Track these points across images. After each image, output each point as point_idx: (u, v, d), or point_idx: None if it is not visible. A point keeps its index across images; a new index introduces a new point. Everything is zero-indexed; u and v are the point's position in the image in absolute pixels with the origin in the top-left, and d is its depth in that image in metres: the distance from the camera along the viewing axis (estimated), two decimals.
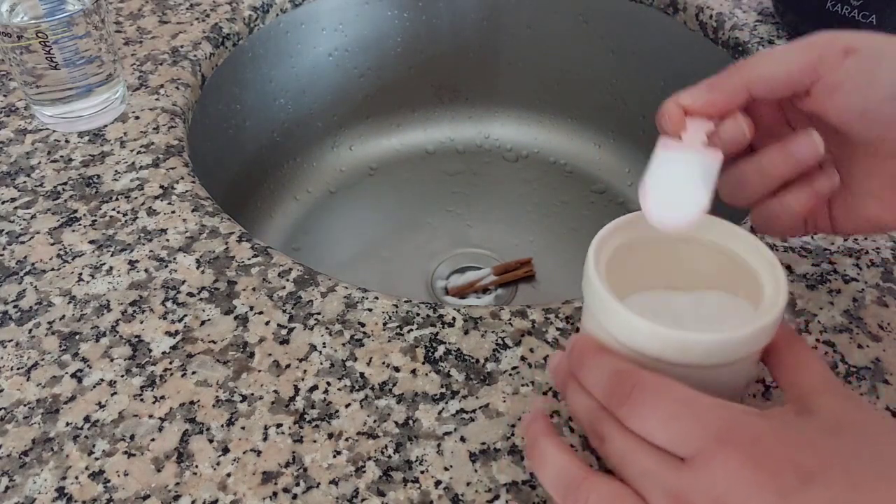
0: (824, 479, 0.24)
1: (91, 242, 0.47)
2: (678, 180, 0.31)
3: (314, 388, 0.38)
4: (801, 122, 0.33)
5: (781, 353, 0.30)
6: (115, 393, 0.38)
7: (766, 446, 0.24)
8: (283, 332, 0.41)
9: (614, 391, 0.28)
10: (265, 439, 0.36)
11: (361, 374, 0.39)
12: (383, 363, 0.39)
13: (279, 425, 0.37)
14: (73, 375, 0.39)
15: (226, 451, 0.36)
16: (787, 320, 0.42)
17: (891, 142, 0.30)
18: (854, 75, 0.29)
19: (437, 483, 0.34)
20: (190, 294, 0.43)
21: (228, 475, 0.35)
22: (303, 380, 0.39)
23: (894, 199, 0.32)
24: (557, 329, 0.41)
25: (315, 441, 0.36)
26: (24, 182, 0.51)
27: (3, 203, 0.50)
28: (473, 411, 0.37)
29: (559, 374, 0.32)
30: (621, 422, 0.27)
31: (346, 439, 0.36)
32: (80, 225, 0.48)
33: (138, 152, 0.54)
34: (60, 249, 0.46)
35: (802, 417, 0.26)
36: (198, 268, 0.45)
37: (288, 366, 0.39)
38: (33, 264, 0.45)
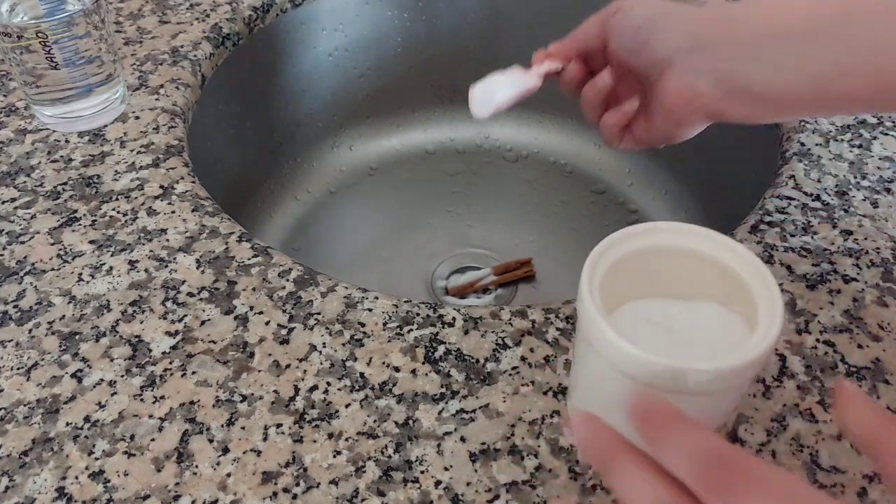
0: None
1: (91, 242, 0.47)
2: (494, 85, 0.45)
3: (314, 388, 0.38)
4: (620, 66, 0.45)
5: (884, 439, 0.25)
6: (115, 393, 0.38)
7: None
8: (283, 332, 0.41)
9: (716, 482, 0.23)
10: (265, 439, 0.36)
11: (361, 374, 0.39)
12: (383, 363, 0.39)
13: (279, 425, 0.37)
14: (73, 375, 0.39)
15: (226, 451, 0.36)
16: (787, 320, 0.42)
17: (647, 67, 0.41)
18: (615, 26, 0.43)
19: (437, 483, 0.34)
20: (190, 294, 0.43)
21: (228, 475, 0.35)
22: (303, 380, 0.39)
23: (658, 113, 0.42)
24: (557, 329, 0.41)
25: (315, 441, 0.36)
26: (24, 182, 0.51)
27: (3, 203, 0.50)
28: (473, 411, 0.37)
29: (603, 447, 0.26)
30: None
31: (346, 439, 0.36)
32: (80, 225, 0.48)
33: (138, 152, 0.54)
34: (60, 249, 0.46)
35: None
36: (198, 268, 0.45)
37: (288, 366, 0.39)
38: (33, 264, 0.45)
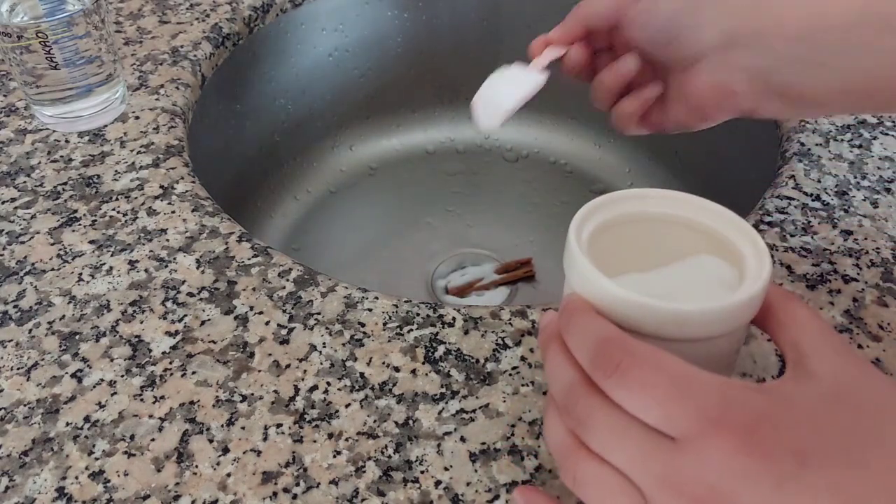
0: (822, 461, 0.23)
1: (91, 242, 0.47)
2: (498, 91, 0.42)
3: (314, 388, 0.38)
4: (626, 48, 0.43)
5: (777, 312, 0.28)
6: (115, 393, 0.38)
7: (764, 428, 0.23)
8: (283, 332, 0.41)
9: (602, 359, 0.26)
10: (265, 439, 0.36)
11: (361, 374, 0.39)
12: (383, 363, 0.39)
13: (279, 425, 0.37)
14: (73, 375, 0.39)
15: (226, 451, 0.36)
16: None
17: (676, 59, 0.39)
18: (638, 17, 0.40)
19: (437, 483, 0.34)
20: (190, 294, 0.43)
21: (228, 475, 0.35)
22: (303, 380, 0.39)
23: (682, 103, 0.40)
24: None
25: (315, 441, 0.36)
26: (24, 182, 0.51)
27: (3, 203, 0.50)
28: (473, 411, 0.37)
29: (545, 333, 0.30)
30: (606, 394, 0.26)
31: (346, 439, 0.36)
32: (80, 225, 0.48)
33: (138, 152, 0.54)
34: (60, 249, 0.46)
35: (802, 386, 0.25)
36: (198, 268, 0.45)
37: (288, 366, 0.39)
38: (33, 264, 0.45)
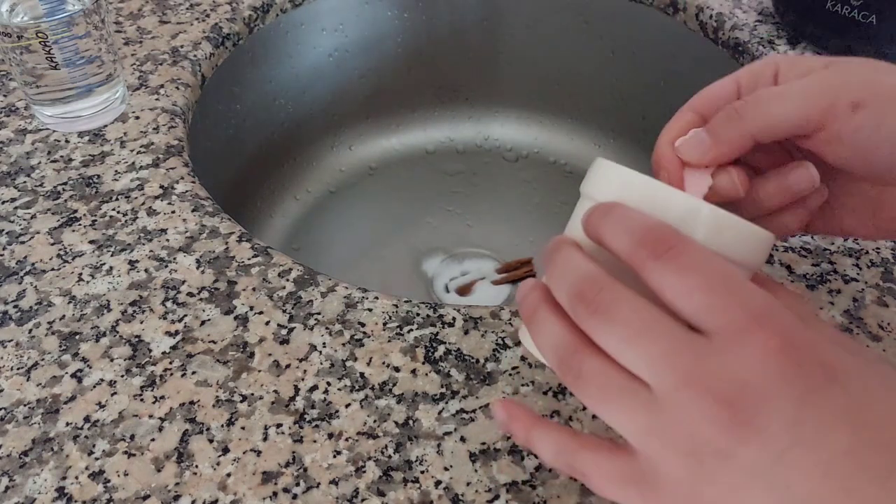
0: (846, 381, 0.23)
1: (91, 242, 0.47)
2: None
3: (314, 388, 0.38)
4: (792, 146, 0.34)
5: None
6: (115, 393, 0.38)
7: (803, 336, 0.23)
8: (283, 332, 0.41)
9: (653, 239, 0.24)
10: (265, 439, 0.36)
11: (361, 374, 0.39)
12: (383, 363, 0.39)
13: (279, 425, 0.37)
14: (73, 375, 0.39)
15: (226, 451, 0.36)
16: None
17: (873, 175, 0.31)
18: (859, 131, 0.29)
19: (437, 483, 0.34)
20: (190, 294, 0.43)
21: (228, 475, 0.35)
22: (303, 380, 0.39)
23: (868, 216, 0.33)
24: None
25: (315, 441, 0.36)
26: (24, 182, 0.51)
27: (3, 203, 0.50)
28: (473, 411, 0.37)
29: (528, 300, 0.27)
30: (645, 279, 0.24)
31: (346, 439, 0.36)
32: (80, 225, 0.48)
33: (138, 152, 0.54)
34: (60, 249, 0.46)
35: (818, 326, 0.25)
36: (198, 268, 0.45)
37: (288, 366, 0.39)
38: (33, 264, 0.45)
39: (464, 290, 0.71)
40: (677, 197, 0.26)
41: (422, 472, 0.35)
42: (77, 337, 0.41)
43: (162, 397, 0.38)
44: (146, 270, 0.45)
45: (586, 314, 0.25)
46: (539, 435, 0.27)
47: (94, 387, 0.39)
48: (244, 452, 0.36)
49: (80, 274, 0.45)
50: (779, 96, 0.30)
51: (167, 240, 0.47)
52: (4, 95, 0.59)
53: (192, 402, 0.38)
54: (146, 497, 0.34)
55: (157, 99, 0.59)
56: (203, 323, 0.42)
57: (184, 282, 0.44)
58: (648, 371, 0.24)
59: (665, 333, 0.23)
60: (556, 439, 0.27)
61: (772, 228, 0.32)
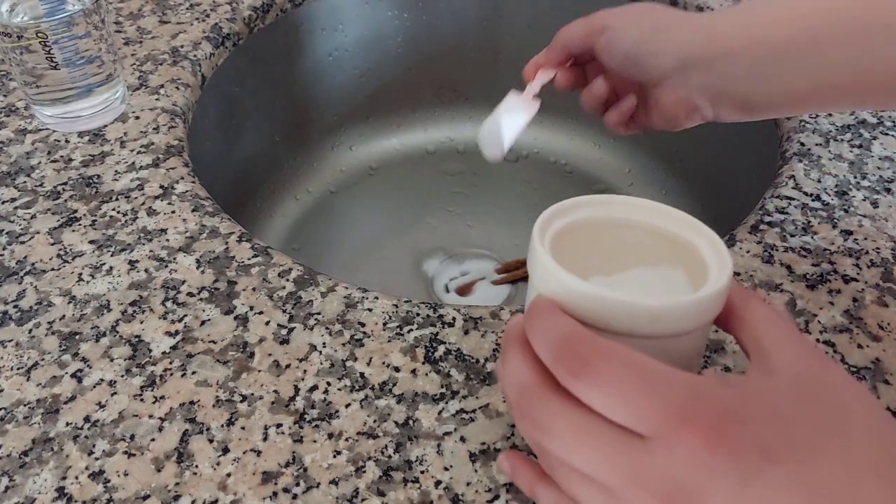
0: (786, 455, 0.23)
1: (91, 242, 0.47)
2: (496, 124, 0.46)
3: (314, 388, 0.38)
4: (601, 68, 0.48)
5: (738, 311, 0.29)
6: (115, 393, 0.38)
7: (730, 425, 0.24)
8: (283, 332, 0.41)
9: (569, 356, 0.25)
10: (265, 439, 0.36)
11: (361, 374, 0.39)
12: (383, 363, 0.39)
13: (279, 425, 0.37)
14: (73, 375, 0.39)
15: (226, 451, 0.36)
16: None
17: (643, 79, 0.45)
18: (604, 46, 0.45)
19: (437, 483, 0.34)
20: (190, 294, 0.43)
21: (228, 475, 0.35)
22: (303, 380, 0.39)
23: (657, 112, 0.46)
24: None
25: (315, 441, 0.36)
26: (24, 182, 0.51)
27: (3, 203, 0.50)
28: (473, 411, 0.37)
29: (507, 335, 0.29)
30: (569, 394, 0.25)
31: (346, 439, 0.36)
32: (80, 225, 0.48)
33: (138, 152, 0.54)
34: (60, 249, 0.46)
35: (765, 381, 0.26)
36: (198, 268, 0.45)
37: (288, 366, 0.39)
38: (33, 264, 0.45)
39: (464, 290, 0.71)
40: (611, 298, 0.27)
41: (422, 472, 0.35)
42: (77, 337, 0.41)
43: (162, 397, 0.38)
44: (146, 270, 0.45)
45: (531, 428, 0.27)
46: (541, 490, 0.29)
47: (94, 387, 0.39)
48: (244, 452, 0.36)
49: (80, 274, 0.45)
50: (575, 22, 0.48)
51: (167, 240, 0.47)
52: (4, 95, 0.59)
53: (192, 402, 0.38)
54: (146, 497, 0.34)
55: (157, 99, 0.59)
56: (203, 323, 0.42)
57: (184, 282, 0.44)
58: (594, 475, 0.25)
59: (599, 440, 0.25)
60: (557, 498, 0.28)
61: (608, 123, 0.49)
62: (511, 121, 0.46)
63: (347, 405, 0.37)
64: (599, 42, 0.45)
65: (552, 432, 0.26)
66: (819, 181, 0.51)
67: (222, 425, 0.37)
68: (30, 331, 0.42)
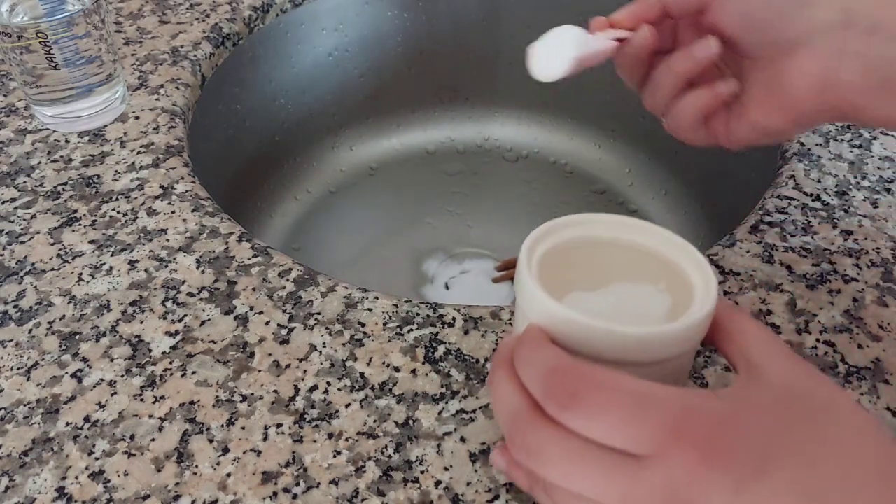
0: (778, 463, 0.23)
1: (91, 242, 0.47)
2: (564, 40, 0.38)
3: (314, 388, 0.38)
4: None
5: (724, 325, 0.29)
6: (115, 393, 0.38)
7: (723, 436, 0.24)
8: (283, 332, 0.41)
9: (557, 389, 0.25)
10: (265, 439, 0.36)
11: (361, 374, 0.39)
12: (383, 363, 0.39)
13: (279, 425, 0.37)
14: (73, 375, 0.39)
15: (226, 451, 0.36)
16: (787, 320, 0.42)
17: (767, 45, 0.35)
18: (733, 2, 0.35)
19: (437, 483, 0.34)
20: (190, 294, 0.43)
21: (228, 475, 0.35)
22: (303, 380, 0.39)
23: (771, 102, 0.36)
24: None
25: (315, 441, 0.36)
26: (24, 182, 0.51)
27: (3, 203, 0.50)
28: (473, 411, 0.37)
29: (496, 358, 0.29)
30: (563, 424, 0.25)
31: (346, 439, 0.36)
32: (80, 225, 0.48)
33: (138, 152, 0.54)
34: (60, 249, 0.46)
35: (755, 391, 0.26)
36: (198, 268, 0.45)
37: (288, 366, 0.39)
38: (33, 264, 0.45)
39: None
40: (598, 327, 0.27)
41: (422, 472, 0.35)
42: (77, 337, 0.41)
43: (162, 397, 0.38)
44: (146, 270, 0.45)
45: (525, 457, 0.26)
46: (539, 496, 0.29)
47: (94, 387, 0.39)
48: (244, 452, 0.36)
49: (80, 274, 0.45)
50: None
51: (167, 240, 0.47)
52: (4, 95, 0.59)
53: (192, 402, 0.38)
54: (146, 497, 0.34)
55: (157, 99, 0.59)
56: (203, 323, 0.42)
57: (184, 282, 0.44)
58: (594, 496, 0.25)
59: (595, 463, 0.25)
60: None
61: (687, 111, 0.38)
62: (579, 43, 0.38)
63: (347, 405, 0.37)
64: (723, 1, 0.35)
65: (547, 460, 0.26)
66: (819, 181, 0.51)
67: (222, 425, 0.37)
68: (30, 331, 0.42)
